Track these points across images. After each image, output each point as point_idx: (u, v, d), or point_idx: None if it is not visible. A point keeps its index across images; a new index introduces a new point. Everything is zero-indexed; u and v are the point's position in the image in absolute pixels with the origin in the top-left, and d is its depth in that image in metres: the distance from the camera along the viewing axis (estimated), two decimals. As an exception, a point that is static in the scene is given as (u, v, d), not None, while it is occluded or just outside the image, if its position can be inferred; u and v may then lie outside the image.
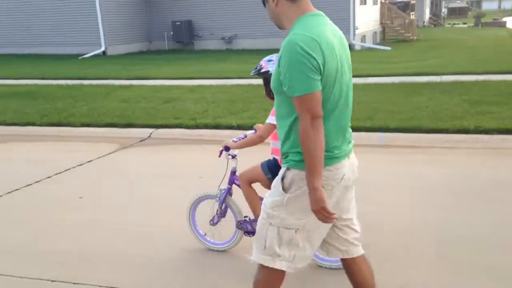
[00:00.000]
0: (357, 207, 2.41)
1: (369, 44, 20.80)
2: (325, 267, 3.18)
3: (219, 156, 3.28)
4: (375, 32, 23.39)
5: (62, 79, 12.55)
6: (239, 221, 3.36)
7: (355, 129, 6.79)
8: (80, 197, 4.77)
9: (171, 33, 21.48)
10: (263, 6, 2.14)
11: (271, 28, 18.80)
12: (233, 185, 3.36)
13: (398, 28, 24.00)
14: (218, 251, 3.55)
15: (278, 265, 2.13)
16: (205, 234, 3.60)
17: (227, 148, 3.19)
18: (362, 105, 7.74)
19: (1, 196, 4.88)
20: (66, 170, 5.64)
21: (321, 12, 2.07)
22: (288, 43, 1.93)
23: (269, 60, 2.91)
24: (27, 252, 3.66)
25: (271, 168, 3.03)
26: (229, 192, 3.38)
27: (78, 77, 12.85)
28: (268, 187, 2.90)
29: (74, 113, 8.43)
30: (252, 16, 19.89)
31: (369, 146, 6.12)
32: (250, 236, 3.30)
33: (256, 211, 3.17)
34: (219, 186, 3.43)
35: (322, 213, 1.97)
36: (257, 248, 2.17)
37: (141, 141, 7.03)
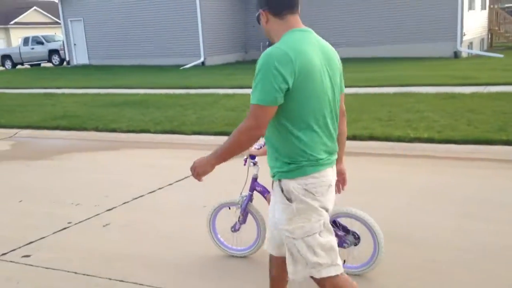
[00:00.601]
0: None
1: (476, 51, 19.50)
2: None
3: (244, 164, 3.32)
4: (482, 39, 21.91)
5: (169, 88, 13.01)
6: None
7: (485, 141, 6.64)
8: (204, 206, 4.73)
9: (267, 43, 21.66)
10: (258, 23, 2.24)
11: (373, 36, 19.01)
12: (254, 191, 3.41)
13: (508, 35, 22.29)
14: (239, 257, 3.58)
15: (325, 273, 2.18)
16: (225, 240, 3.65)
17: (252, 157, 3.26)
18: (488, 115, 7.09)
19: (128, 202, 4.98)
20: (185, 177, 5.67)
21: (309, 29, 2.17)
22: (264, 55, 2.05)
23: None
24: (160, 261, 3.64)
25: None
26: (250, 198, 3.43)
27: (184, 86, 13.25)
28: None
29: (185, 121, 8.59)
30: (348, 24, 19.49)
31: (505, 162, 5.53)
32: None
33: None
34: (240, 193, 3.48)
35: (195, 175, 2.27)
36: (298, 267, 2.21)
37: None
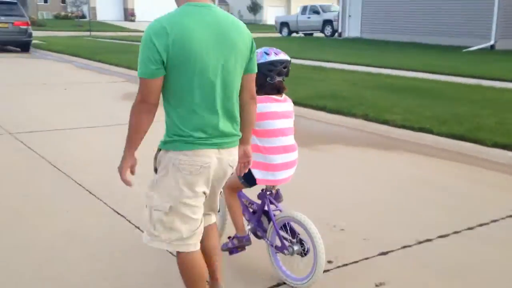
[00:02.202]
0: None
1: None
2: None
3: None
4: None
5: (452, 76, 10.86)
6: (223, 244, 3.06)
7: None
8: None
9: None
10: None
11: None
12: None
13: None
14: None
15: (156, 245, 2.24)
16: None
17: None
18: None
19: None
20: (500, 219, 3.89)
21: (208, 4, 2.10)
22: (146, 28, 2.06)
23: (265, 53, 2.75)
24: None
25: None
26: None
27: (471, 74, 10.89)
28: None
29: (481, 125, 6.56)
30: None
31: None
32: (233, 254, 3.04)
33: (236, 225, 2.99)
34: None
35: (121, 177, 2.19)
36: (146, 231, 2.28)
37: None
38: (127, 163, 2.18)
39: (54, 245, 3.32)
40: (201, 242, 2.31)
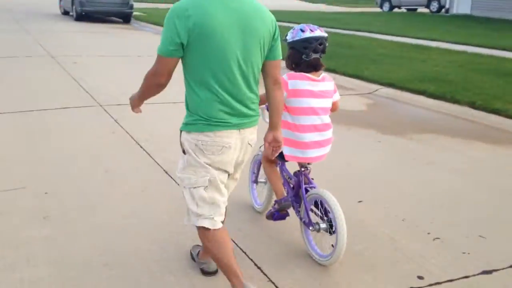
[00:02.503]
0: None
1: None
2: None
3: None
4: None
5: None
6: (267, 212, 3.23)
7: None
8: None
9: None
10: None
11: None
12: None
13: None
14: None
15: (200, 223, 2.31)
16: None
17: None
18: None
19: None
20: None
21: None
22: (171, 8, 2.13)
23: (301, 30, 2.74)
24: None
25: None
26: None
27: None
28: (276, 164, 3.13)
29: None
30: None
31: None
32: (276, 220, 3.14)
33: (276, 191, 3.07)
34: None
35: (132, 109, 2.50)
36: (188, 214, 2.38)
37: None
38: (136, 103, 2.47)
39: (126, 227, 3.21)
40: None
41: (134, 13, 19.97)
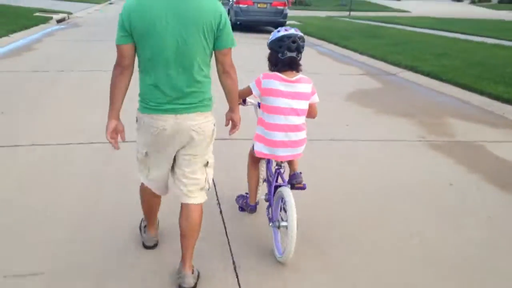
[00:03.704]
0: None
1: None
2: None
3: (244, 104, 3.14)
4: None
5: None
6: (238, 196, 3.57)
7: None
8: None
9: None
10: None
11: None
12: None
13: None
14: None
15: (139, 176, 2.71)
16: None
17: (244, 101, 3.11)
18: None
19: None
20: None
21: None
22: None
23: (278, 30, 2.91)
24: None
25: None
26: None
27: None
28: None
29: None
30: None
31: None
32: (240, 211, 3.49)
33: (249, 192, 3.33)
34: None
35: (106, 136, 2.50)
36: None
37: None
38: (110, 124, 2.49)
39: None
40: (179, 220, 2.65)
41: (290, 22, 19.40)
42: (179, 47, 2.30)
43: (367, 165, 4.71)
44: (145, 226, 3.06)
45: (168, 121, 2.40)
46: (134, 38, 2.31)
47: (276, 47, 2.84)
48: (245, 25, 17.22)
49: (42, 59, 9.57)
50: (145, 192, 2.80)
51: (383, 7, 35.38)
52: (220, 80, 2.54)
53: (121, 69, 2.39)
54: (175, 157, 2.56)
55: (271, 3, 16.99)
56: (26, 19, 16.02)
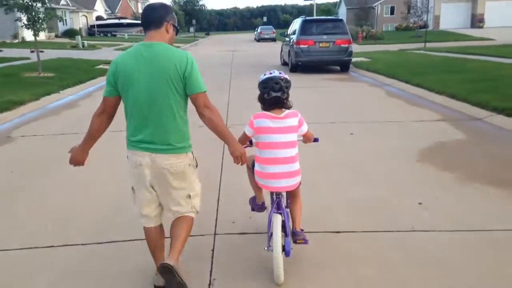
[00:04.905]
0: None
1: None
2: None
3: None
4: None
5: None
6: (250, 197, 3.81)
7: None
8: None
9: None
10: None
11: None
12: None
13: None
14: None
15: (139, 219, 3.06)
16: None
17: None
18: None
19: None
20: None
21: (147, 42, 2.76)
22: None
23: (265, 73, 3.23)
24: None
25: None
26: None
27: None
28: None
29: None
30: None
31: None
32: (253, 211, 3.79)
33: (255, 193, 3.62)
34: None
35: (72, 155, 3.00)
36: None
37: None
38: (74, 151, 3.00)
39: None
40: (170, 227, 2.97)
41: (357, 58, 17.94)
42: (152, 96, 2.71)
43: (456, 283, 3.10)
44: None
45: (144, 158, 2.78)
46: (118, 91, 2.79)
47: (261, 88, 3.15)
48: (307, 65, 16.01)
49: (78, 118, 8.85)
50: (146, 234, 3.04)
51: (463, 36, 32.85)
52: (202, 120, 2.83)
53: (102, 113, 2.86)
54: (158, 193, 2.90)
55: (334, 42, 15.68)
56: (85, 73, 15.90)
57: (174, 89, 2.70)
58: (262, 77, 3.18)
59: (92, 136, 2.91)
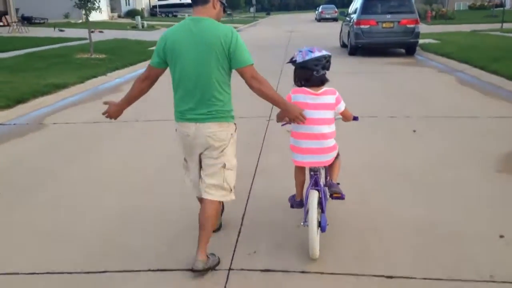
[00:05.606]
0: None
1: None
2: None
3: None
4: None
5: None
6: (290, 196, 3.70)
7: None
8: None
9: None
10: None
11: None
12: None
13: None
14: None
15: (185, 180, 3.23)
16: None
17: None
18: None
19: None
20: None
21: (195, 17, 2.89)
22: None
23: (310, 51, 3.16)
24: None
25: None
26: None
27: None
28: None
29: None
30: None
31: None
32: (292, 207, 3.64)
33: (296, 192, 3.52)
34: None
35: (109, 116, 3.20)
36: None
37: None
38: (112, 106, 3.17)
39: None
40: (198, 213, 3.06)
41: (425, 40, 16.42)
42: (198, 70, 2.86)
43: None
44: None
45: (190, 128, 2.94)
46: (167, 63, 2.96)
47: (312, 65, 3.11)
48: (367, 48, 14.77)
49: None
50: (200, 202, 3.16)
51: (546, 15, 29.74)
52: (252, 90, 2.94)
53: (145, 79, 3.05)
54: (200, 160, 3.04)
55: (399, 22, 14.29)
56: (136, 55, 15.54)
57: (219, 63, 2.84)
58: (310, 54, 3.13)
59: (130, 100, 3.12)
